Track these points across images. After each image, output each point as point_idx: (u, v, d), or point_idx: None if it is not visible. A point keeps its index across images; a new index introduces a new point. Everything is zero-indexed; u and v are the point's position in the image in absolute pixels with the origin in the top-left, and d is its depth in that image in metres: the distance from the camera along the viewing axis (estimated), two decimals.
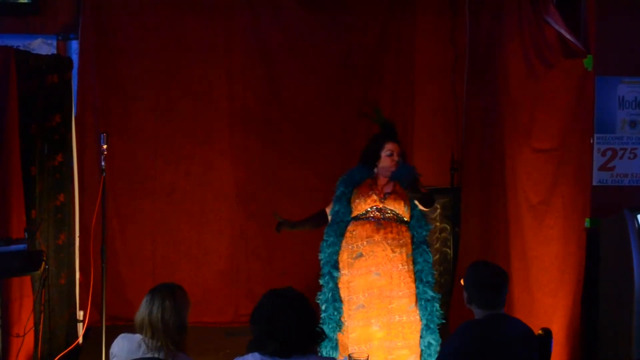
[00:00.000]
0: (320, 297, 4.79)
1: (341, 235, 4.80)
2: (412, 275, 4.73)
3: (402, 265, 4.71)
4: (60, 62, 5.38)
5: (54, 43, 6.17)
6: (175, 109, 6.42)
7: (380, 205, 4.74)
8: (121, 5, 6.31)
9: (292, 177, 6.55)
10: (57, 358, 5.17)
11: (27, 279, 4.91)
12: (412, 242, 4.78)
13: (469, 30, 6.14)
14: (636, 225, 4.46)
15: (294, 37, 6.54)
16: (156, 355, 3.24)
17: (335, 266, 4.78)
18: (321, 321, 4.76)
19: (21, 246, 4.44)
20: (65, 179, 5.35)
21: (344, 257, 4.77)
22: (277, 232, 5.12)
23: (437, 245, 6.78)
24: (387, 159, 4.79)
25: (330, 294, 4.77)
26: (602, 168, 4.84)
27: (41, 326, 5.00)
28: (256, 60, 6.51)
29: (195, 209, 6.49)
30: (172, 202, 6.46)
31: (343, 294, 4.75)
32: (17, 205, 4.90)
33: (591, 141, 4.82)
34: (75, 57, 5.94)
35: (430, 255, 4.80)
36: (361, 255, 4.72)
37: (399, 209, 4.76)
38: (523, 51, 5.23)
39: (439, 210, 6.76)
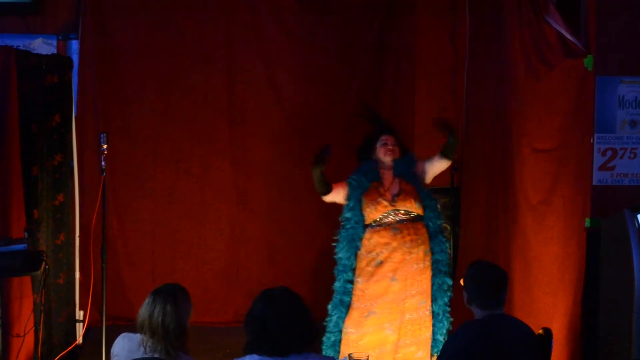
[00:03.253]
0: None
1: (352, 241, 4.77)
2: (429, 270, 4.75)
3: (418, 264, 4.74)
4: (60, 62, 5.38)
5: (54, 43, 6.17)
6: (175, 109, 6.42)
7: (392, 209, 4.73)
8: (121, 5, 6.31)
9: (292, 177, 6.55)
10: (57, 358, 5.17)
11: (27, 279, 4.91)
12: (428, 234, 4.78)
13: (469, 30, 6.14)
14: (636, 225, 4.46)
15: (294, 37, 6.54)
16: (156, 356, 3.24)
17: (345, 271, 4.76)
18: (325, 323, 4.77)
19: (21, 246, 4.44)
20: (64, 179, 5.35)
21: (361, 265, 4.75)
22: (317, 162, 4.96)
23: None
24: (381, 149, 4.87)
25: (334, 295, 4.78)
26: (602, 168, 4.84)
27: (41, 326, 5.00)
28: (256, 60, 6.51)
29: (195, 209, 6.49)
30: (172, 202, 6.46)
31: (354, 300, 4.74)
32: (17, 205, 4.90)
33: (591, 141, 4.81)
34: (75, 57, 5.94)
35: (447, 244, 4.83)
36: (381, 262, 4.71)
37: (411, 206, 4.76)
38: (523, 51, 5.22)
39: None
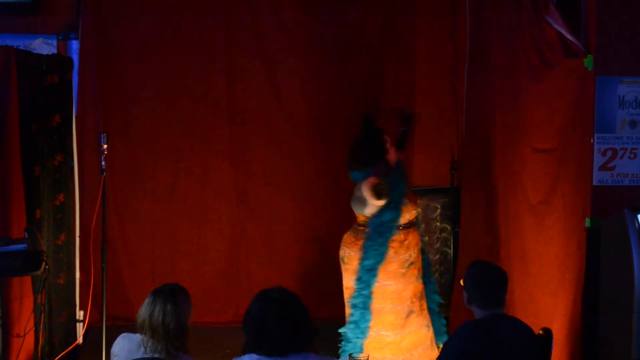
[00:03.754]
0: (353, 301, 4.75)
1: (384, 245, 4.72)
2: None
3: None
4: (60, 62, 5.38)
5: (54, 43, 6.17)
6: (175, 109, 6.43)
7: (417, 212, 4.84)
8: (121, 5, 6.31)
9: (292, 177, 6.55)
10: (57, 358, 5.17)
11: (27, 279, 4.91)
12: None
13: (469, 30, 6.13)
14: (636, 225, 4.46)
15: (293, 37, 6.54)
16: (156, 356, 3.24)
17: (374, 274, 4.69)
18: (348, 324, 4.77)
19: (21, 246, 4.44)
20: (64, 179, 5.35)
21: (392, 268, 4.72)
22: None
23: (437, 245, 6.78)
24: (392, 150, 4.87)
25: (361, 300, 4.72)
26: (602, 168, 4.83)
27: (41, 326, 5.00)
28: (256, 60, 6.51)
29: (195, 209, 6.49)
30: (172, 202, 6.46)
31: (385, 303, 4.71)
32: (17, 205, 4.90)
33: (591, 141, 4.81)
34: (75, 57, 5.94)
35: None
36: (413, 263, 4.75)
37: None
38: (523, 51, 5.22)
39: (439, 210, 6.76)
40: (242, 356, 3.00)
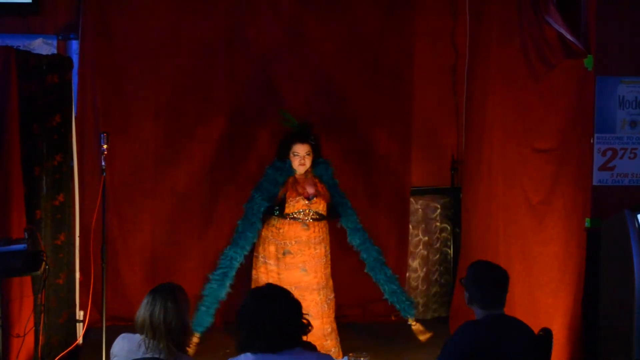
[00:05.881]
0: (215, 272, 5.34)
1: (255, 224, 5.36)
2: (329, 267, 5.44)
3: (321, 259, 5.34)
4: (60, 62, 5.36)
5: (54, 43, 6.17)
6: (175, 109, 6.42)
7: (307, 208, 5.30)
8: (121, 5, 6.31)
9: None
10: (57, 358, 5.17)
11: (27, 279, 4.90)
12: (348, 231, 5.42)
13: (469, 30, 6.14)
14: (636, 225, 4.46)
15: (293, 37, 6.54)
16: (157, 356, 3.24)
17: (246, 246, 5.34)
18: (203, 292, 5.31)
19: (21, 246, 4.43)
20: (64, 179, 5.34)
21: (272, 249, 5.34)
22: None
23: (437, 245, 6.79)
24: (294, 160, 5.37)
25: (222, 272, 5.33)
26: (602, 168, 4.84)
27: (41, 326, 4.99)
28: (256, 60, 6.51)
29: (195, 209, 6.49)
30: (172, 202, 6.45)
31: (264, 280, 5.33)
32: (17, 205, 4.89)
33: (591, 141, 4.82)
34: (75, 57, 5.93)
35: (366, 234, 5.46)
36: (289, 252, 5.28)
37: (322, 209, 5.35)
38: (523, 51, 5.23)
39: (439, 210, 6.77)
40: (238, 356, 3.00)
